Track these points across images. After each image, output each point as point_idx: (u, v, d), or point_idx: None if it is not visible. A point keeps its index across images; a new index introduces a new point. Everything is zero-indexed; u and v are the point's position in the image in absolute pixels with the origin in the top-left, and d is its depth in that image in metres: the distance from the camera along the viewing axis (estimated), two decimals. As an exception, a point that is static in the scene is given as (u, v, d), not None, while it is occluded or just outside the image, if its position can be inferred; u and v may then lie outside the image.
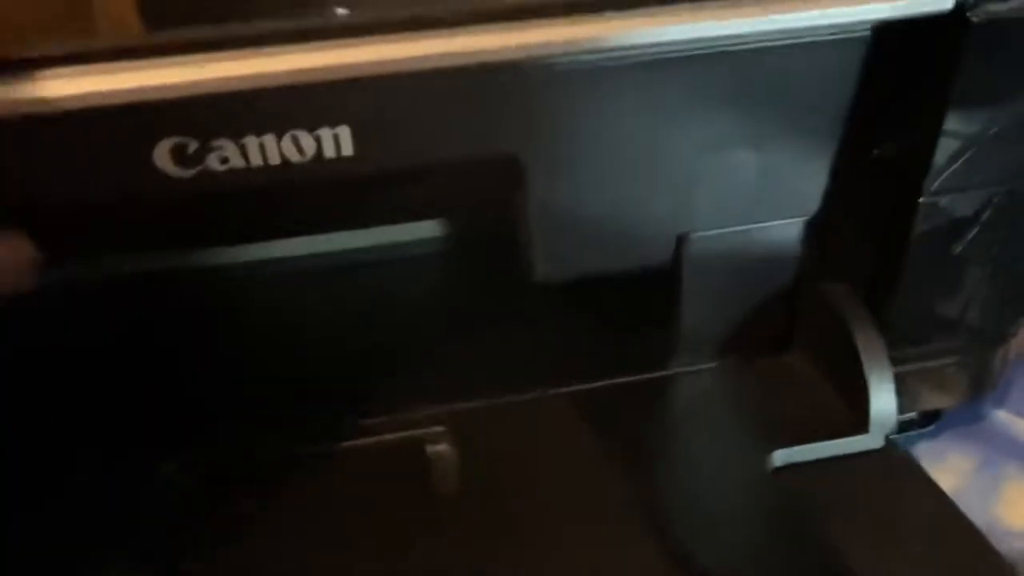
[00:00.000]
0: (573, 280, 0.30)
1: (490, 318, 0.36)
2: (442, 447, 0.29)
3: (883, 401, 0.28)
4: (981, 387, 0.32)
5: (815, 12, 0.23)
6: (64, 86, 0.20)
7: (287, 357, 0.34)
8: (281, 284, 0.38)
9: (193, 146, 0.22)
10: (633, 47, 0.23)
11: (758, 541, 0.26)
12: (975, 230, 0.28)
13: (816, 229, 0.30)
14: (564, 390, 0.32)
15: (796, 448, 0.28)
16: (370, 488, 0.28)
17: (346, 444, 0.30)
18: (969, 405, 0.34)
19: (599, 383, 0.32)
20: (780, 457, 0.28)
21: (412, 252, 0.39)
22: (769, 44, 0.24)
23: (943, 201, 0.26)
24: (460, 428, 0.29)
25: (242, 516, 0.27)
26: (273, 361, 0.34)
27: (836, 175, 0.29)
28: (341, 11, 0.29)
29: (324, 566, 0.25)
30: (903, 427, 0.32)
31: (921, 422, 0.33)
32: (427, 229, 0.38)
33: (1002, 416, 0.34)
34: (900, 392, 0.29)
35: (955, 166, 0.26)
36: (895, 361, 0.29)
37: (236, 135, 0.22)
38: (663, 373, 0.32)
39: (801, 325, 0.32)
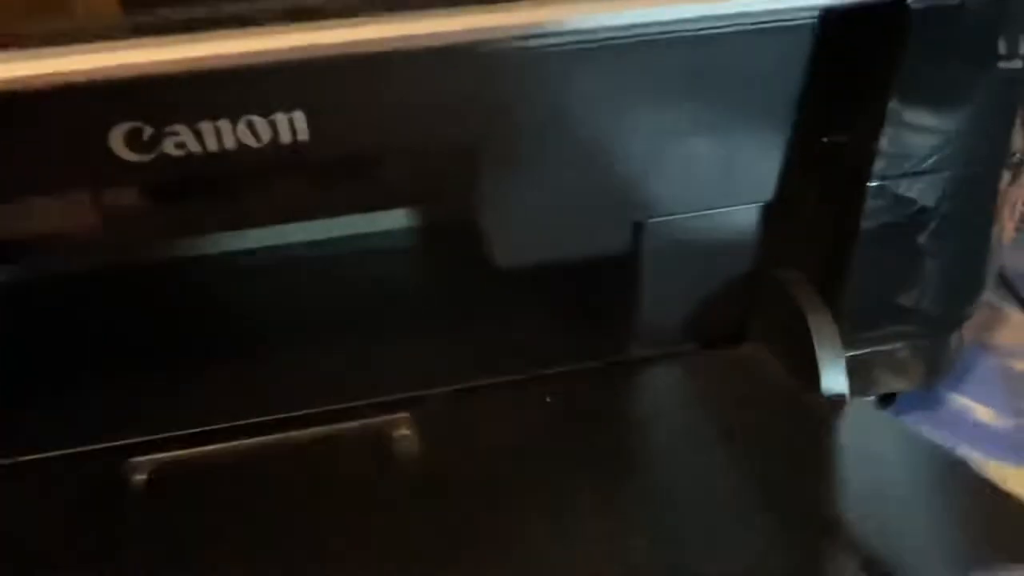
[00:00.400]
0: (533, 267, 0.30)
1: (453, 306, 0.36)
2: (402, 432, 0.29)
3: (834, 382, 0.28)
4: (936, 372, 0.33)
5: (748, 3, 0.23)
6: (11, 68, 0.19)
7: (250, 346, 0.34)
8: (244, 275, 0.38)
9: (148, 131, 0.22)
10: (580, 32, 0.23)
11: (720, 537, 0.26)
12: (923, 216, 0.28)
13: (772, 216, 0.30)
14: (526, 376, 0.32)
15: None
16: (335, 472, 0.28)
17: (311, 431, 0.29)
18: (927, 390, 0.34)
19: (560, 368, 0.32)
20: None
21: (374, 243, 0.39)
22: (719, 30, 0.24)
23: (890, 187, 0.27)
24: (423, 414, 0.29)
25: (209, 505, 0.27)
26: (235, 350, 0.34)
27: (790, 162, 0.29)
28: None
29: (289, 550, 0.25)
30: None
31: (879, 405, 0.33)
32: (388, 220, 0.39)
33: (960, 401, 0.34)
34: (854, 375, 0.29)
35: (900, 152, 0.27)
36: (849, 345, 0.29)
37: (191, 120, 0.22)
38: (623, 359, 0.32)
39: (758, 310, 0.32)
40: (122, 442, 0.29)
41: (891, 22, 0.24)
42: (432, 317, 0.36)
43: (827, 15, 0.24)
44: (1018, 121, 0.28)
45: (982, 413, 0.34)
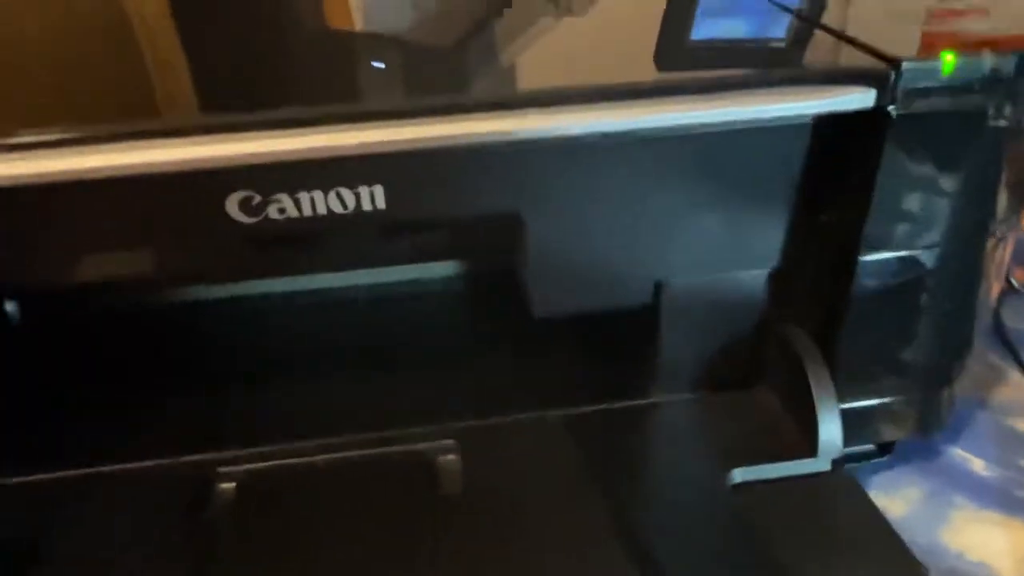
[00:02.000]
0: (566, 317, 0.32)
1: (492, 348, 0.38)
2: (451, 457, 0.31)
3: (830, 430, 0.30)
4: (929, 424, 0.34)
5: (762, 106, 0.26)
6: (153, 154, 0.23)
7: (321, 377, 0.37)
8: (317, 315, 0.41)
9: (257, 199, 0.25)
10: (617, 132, 0.26)
11: (714, 548, 0.28)
12: (912, 282, 0.30)
13: (777, 279, 0.32)
14: (556, 413, 0.33)
15: (753, 468, 0.30)
16: (387, 492, 0.30)
17: (366, 453, 0.32)
18: (924, 441, 0.35)
19: (587, 408, 0.34)
20: (739, 475, 0.30)
21: (427, 289, 0.42)
22: (729, 129, 0.27)
23: (878, 259, 0.29)
24: (467, 442, 0.32)
25: (276, 517, 0.29)
26: (308, 380, 0.37)
27: (792, 234, 0.31)
28: (378, 64, 0.34)
29: (338, 563, 0.27)
30: (860, 457, 0.34)
31: (877, 453, 0.34)
32: (440, 269, 0.41)
33: (955, 453, 0.35)
34: (850, 424, 0.31)
35: (887, 231, 0.29)
36: (845, 396, 0.31)
37: (291, 191, 0.25)
38: (642, 401, 0.34)
39: (764, 362, 0.34)
40: (215, 455, 0.31)
41: (875, 124, 0.26)
42: (475, 359, 0.38)
43: (819, 118, 0.27)
44: (1001, 186, 0.29)
45: (976, 465, 0.34)
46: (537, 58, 0.34)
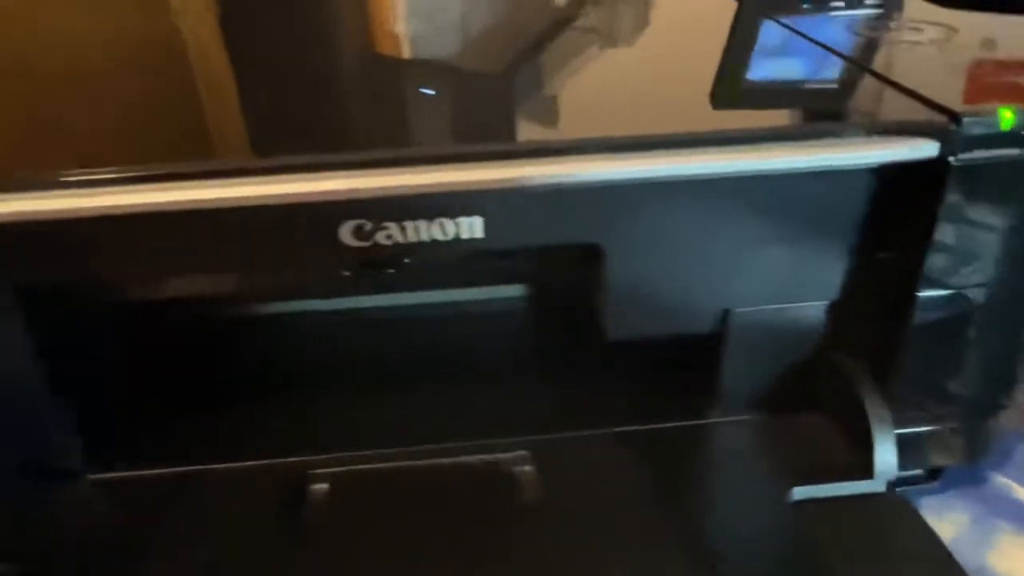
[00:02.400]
0: (637, 342, 0.32)
1: (564, 367, 0.39)
2: (525, 468, 0.33)
3: (885, 454, 0.31)
4: (976, 451, 0.34)
5: (836, 155, 0.27)
6: (281, 187, 0.25)
7: (399, 389, 0.38)
8: (397, 330, 0.42)
9: (368, 226, 0.27)
10: (698, 173, 0.27)
11: (777, 561, 0.29)
12: (964, 319, 0.30)
13: (837, 311, 0.33)
14: (618, 430, 0.34)
15: (812, 487, 0.31)
16: (466, 496, 0.32)
17: (448, 461, 0.33)
18: (971, 468, 0.35)
19: (647, 427, 0.35)
20: (798, 493, 0.31)
21: (501, 308, 0.43)
22: (786, 173, 0.28)
23: (935, 295, 0.30)
24: (538, 453, 0.33)
25: (365, 517, 0.31)
26: (388, 392, 0.38)
27: (852, 269, 0.31)
28: (427, 91, 0.36)
29: (423, 559, 0.29)
30: (911, 481, 0.34)
31: (926, 478, 0.35)
32: (513, 291, 0.43)
33: (1000, 480, 0.35)
34: (904, 450, 0.31)
35: (945, 271, 0.29)
36: (899, 423, 0.31)
37: (399, 219, 0.27)
38: (705, 421, 0.35)
39: (821, 388, 0.34)
40: (310, 458, 0.33)
41: (936, 171, 0.27)
42: (548, 376, 0.39)
43: (884, 165, 0.28)
44: None
45: (1020, 493, 0.35)
46: (606, 99, 0.35)
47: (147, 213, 0.25)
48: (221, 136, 0.32)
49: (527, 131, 0.33)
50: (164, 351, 0.40)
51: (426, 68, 0.42)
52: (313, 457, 0.33)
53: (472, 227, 0.28)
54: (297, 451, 0.33)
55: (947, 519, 0.34)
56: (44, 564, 0.29)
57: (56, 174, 0.25)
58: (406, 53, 0.45)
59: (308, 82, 0.38)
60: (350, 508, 0.31)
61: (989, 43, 0.37)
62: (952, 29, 0.37)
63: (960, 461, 0.34)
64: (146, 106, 0.34)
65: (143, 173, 0.25)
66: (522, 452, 0.33)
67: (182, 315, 0.41)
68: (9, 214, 0.24)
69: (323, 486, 0.32)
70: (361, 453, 0.33)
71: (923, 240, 0.29)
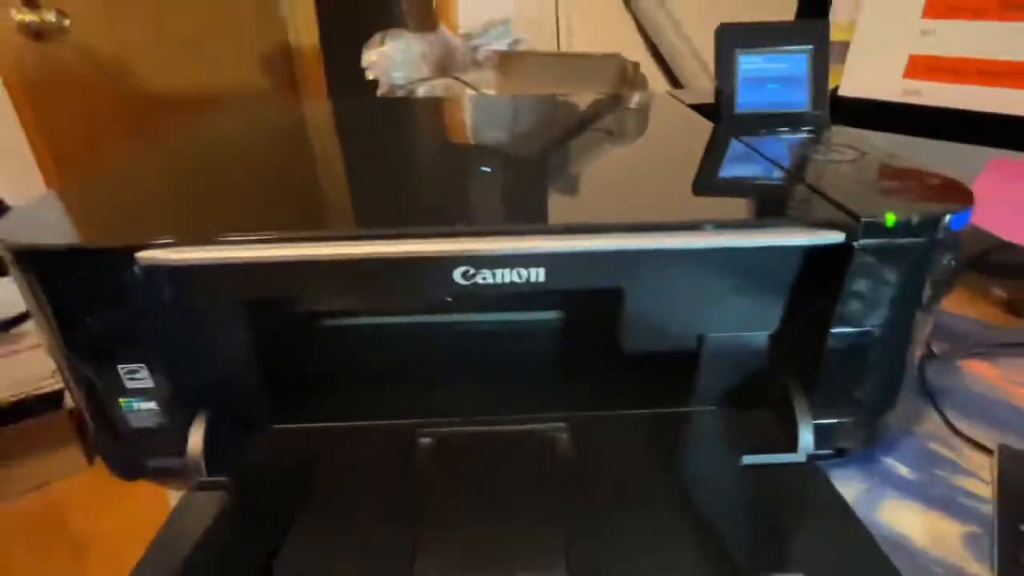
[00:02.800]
0: (643, 353, 0.34)
1: (593, 368, 0.41)
2: (563, 435, 0.34)
3: (806, 437, 0.32)
4: (871, 440, 0.35)
5: (779, 239, 0.29)
6: (429, 246, 0.29)
7: (476, 377, 0.41)
8: (476, 337, 0.44)
9: (472, 271, 0.30)
10: (685, 247, 0.30)
11: (731, 506, 0.30)
12: (864, 347, 0.32)
13: (777, 339, 0.34)
14: (627, 412, 0.36)
15: (756, 456, 0.32)
16: (522, 452, 0.33)
17: (511, 428, 0.35)
18: (867, 451, 0.36)
19: (647, 411, 0.36)
20: (747, 460, 0.32)
21: (555, 326, 0.45)
22: (754, 248, 0.30)
23: (843, 331, 0.31)
24: (571, 425, 0.35)
25: (458, 462, 0.33)
26: (469, 379, 0.40)
27: (788, 310, 0.33)
28: (485, 168, 0.39)
29: (497, 494, 0.30)
30: (824, 457, 0.35)
31: (835, 456, 0.36)
32: (552, 315, 0.45)
33: (889, 462, 0.37)
34: (819, 435, 0.33)
35: (851, 315, 0.31)
36: (817, 417, 0.33)
37: (491, 267, 0.30)
38: (688, 409, 0.36)
39: (766, 391, 0.35)
40: (417, 420, 0.35)
41: (845, 252, 0.29)
42: (579, 373, 0.41)
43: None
44: (926, 287, 0.31)
45: (902, 471, 0.36)
46: (618, 186, 0.38)
47: (333, 260, 0.29)
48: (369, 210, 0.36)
49: (561, 206, 0.35)
50: (325, 348, 0.43)
51: (486, 154, 0.45)
52: (421, 420, 0.36)
53: (538, 275, 0.31)
54: (410, 416, 0.36)
55: (849, 486, 0.35)
56: (244, 479, 0.32)
57: (272, 232, 0.29)
58: (474, 146, 0.49)
59: (414, 166, 0.42)
60: (445, 456, 0.34)
61: (891, 156, 0.39)
62: (860, 151, 0.40)
63: (859, 445, 0.36)
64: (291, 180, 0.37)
65: (328, 234, 0.29)
66: (560, 424, 0.35)
67: (343, 325, 0.44)
68: (240, 258, 0.29)
69: (428, 440, 0.35)
70: (452, 419, 0.36)
71: (836, 295, 0.30)
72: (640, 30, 0.91)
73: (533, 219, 0.32)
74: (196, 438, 0.32)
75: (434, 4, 1.31)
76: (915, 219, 0.29)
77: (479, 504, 0.29)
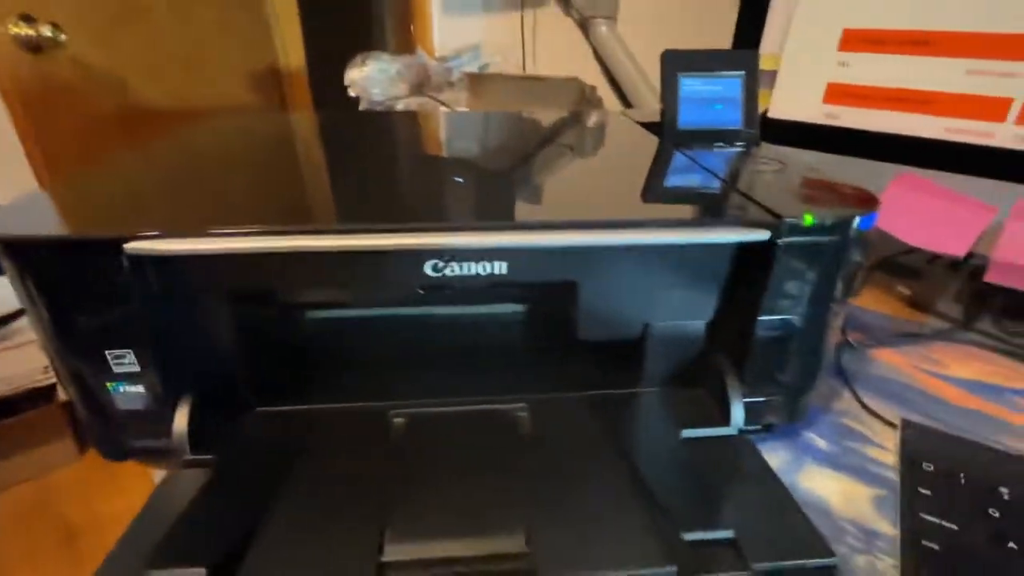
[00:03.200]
0: (595, 340, 0.34)
1: (551, 353, 0.40)
2: (523, 414, 0.34)
3: (737, 413, 0.33)
4: (793, 416, 0.36)
5: (712, 236, 0.30)
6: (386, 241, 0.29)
7: (444, 363, 0.40)
8: (442, 328, 0.43)
9: (441, 264, 0.30)
10: (631, 243, 0.30)
11: (672, 474, 0.30)
12: (788, 332, 0.32)
13: (712, 326, 0.35)
14: (581, 393, 0.36)
15: (694, 430, 0.33)
16: (487, 430, 0.33)
17: (476, 408, 0.34)
18: (791, 425, 0.37)
19: (599, 392, 0.36)
20: (686, 433, 0.33)
21: (516, 317, 0.44)
22: (693, 244, 0.31)
23: (769, 319, 0.32)
24: (531, 405, 0.35)
25: (429, 440, 0.32)
26: (437, 365, 0.40)
27: (721, 301, 0.34)
28: (458, 179, 0.38)
29: (462, 467, 0.30)
30: (753, 431, 0.36)
31: (762, 430, 0.36)
32: (514, 308, 0.44)
33: (808, 434, 0.37)
34: (748, 411, 0.33)
35: (775, 304, 0.31)
36: (747, 395, 0.34)
37: (459, 260, 0.30)
38: (634, 390, 0.37)
39: (703, 373, 0.36)
40: (390, 403, 0.34)
41: (770, 248, 0.30)
42: (538, 359, 0.40)
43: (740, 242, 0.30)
44: (839, 281, 0.31)
45: (819, 443, 0.37)
46: (575, 191, 0.38)
47: (314, 252, 0.28)
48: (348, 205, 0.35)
49: (523, 208, 0.35)
50: (306, 336, 0.42)
51: (457, 162, 0.45)
52: (395, 402, 0.35)
53: (501, 268, 0.31)
54: (385, 399, 0.35)
55: (773, 455, 0.36)
56: (227, 458, 0.31)
57: (253, 226, 0.28)
58: (445, 153, 0.48)
59: (390, 171, 0.41)
60: (417, 434, 0.33)
61: (811, 169, 0.40)
62: (785, 164, 0.41)
63: (783, 421, 0.36)
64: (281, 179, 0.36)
65: (309, 228, 0.28)
66: (521, 404, 0.35)
67: (323, 316, 0.42)
68: (222, 249, 0.28)
69: (401, 419, 0.34)
70: (423, 401, 0.35)
71: (763, 287, 0.31)
72: (597, 57, 0.92)
73: (498, 218, 0.32)
74: (181, 419, 0.31)
75: (413, 30, 1.30)
76: (829, 220, 0.30)
77: (446, 482, 0.29)
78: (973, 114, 0.48)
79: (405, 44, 1.23)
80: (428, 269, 0.31)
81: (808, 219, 0.30)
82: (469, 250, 0.30)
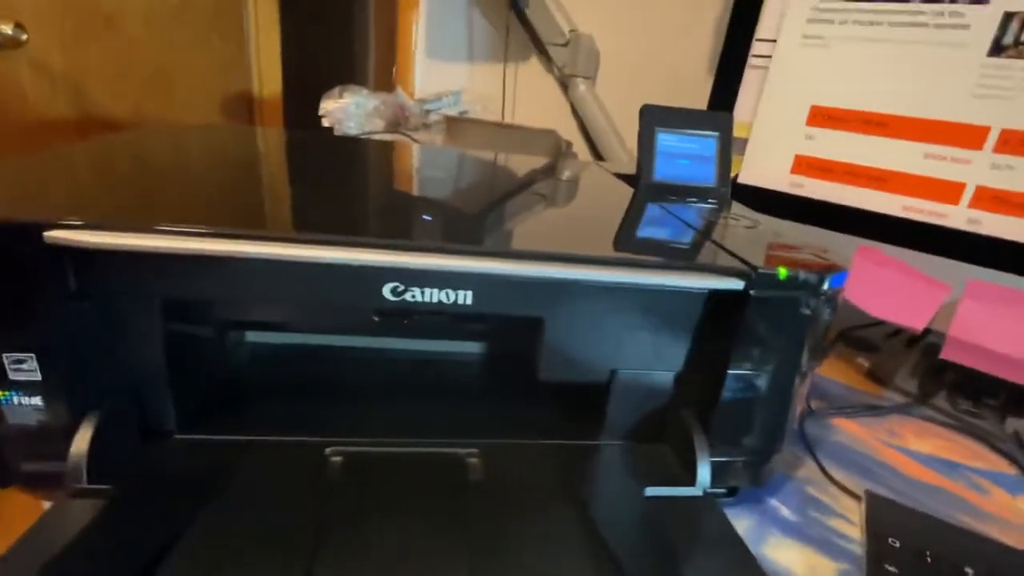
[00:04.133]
0: (556, 383, 0.33)
1: (510, 398, 0.39)
2: (474, 460, 0.32)
3: (703, 473, 0.32)
4: (758, 480, 0.35)
5: (683, 280, 0.30)
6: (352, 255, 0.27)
7: (390, 402, 0.38)
8: (393, 364, 0.41)
9: (401, 288, 0.29)
10: (601, 283, 0.29)
11: (632, 533, 0.29)
12: (754, 393, 0.32)
13: (681, 379, 0.34)
14: (539, 441, 0.34)
15: (658, 488, 0.32)
16: (434, 474, 0.31)
17: (423, 451, 0.32)
18: (754, 491, 0.36)
19: (559, 441, 0.35)
20: (649, 492, 0.31)
21: (472, 356, 0.43)
22: (662, 290, 0.30)
23: (738, 375, 0.32)
24: (484, 451, 0.33)
25: (367, 483, 0.30)
26: (382, 403, 0.37)
27: (692, 353, 0.32)
28: (427, 217, 0.36)
29: (403, 513, 0.27)
30: (717, 495, 0.35)
31: (727, 494, 0.35)
32: (473, 346, 0.43)
33: (773, 502, 0.37)
34: (714, 472, 0.32)
35: (745, 359, 0.31)
36: (713, 455, 0.32)
37: (421, 285, 0.29)
38: (593, 442, 0.35)
39: (669, 428, 0.35)
40: (329, 439, 0.32)
41: (742, 299, 0.30)
42: (495, 402, 0.39)
43: (712, 290, 0.30)
44: (806, 346, 0.32)
45: (784, 511, 0.36)
46: (545, 236, 0.37)
47: (258, 260, 0.26)
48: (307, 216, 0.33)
49: (496, 241, 0.34)
50: (242, 359, 0.40)
51: (427, 191, 0.44)
52: (333, 439, 0.32)
53: (466, 297, 0.29)
54: (322, 434, 0.33)
55: (737, 521, 0.33)
56: (130, 490, 0.28)
57: (195, 225, 0.26)
58: (418, 184, 0.48)
59: (356, 190, 0.40)
60: (355, 475, 0.31)
61: (777, 233, 0.41)
62: (757, 222, 0.42)
63: (748, 484, 0.35)
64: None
65: (255, 233, 0.26)
66: (473, 449, 0.33)
67: (261, 340, 0.40)
68: (157, 247, 0.25)
69: (338, 458, 0.31)
70: (366, 440, 0.33)
71: (734, 338, 0.31)
72: (574, 113, 0.95)
73: (466, 244, 0.31)
74: (82, 441, 0.28)
75: (395, 72, 1.33)
76: (802, 274, 0.30)
77: (384, 526, 0.27)
78: (929, 195, 0.51)
79: (386, 85, 1.25)
80: (387, 292, 0.29)
81: (782, 272, 0.30)
82: (433, 273, 0.28)
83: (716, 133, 0.47)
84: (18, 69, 1.18)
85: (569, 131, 0.97)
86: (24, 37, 1.14)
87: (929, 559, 0.32)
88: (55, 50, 1.22)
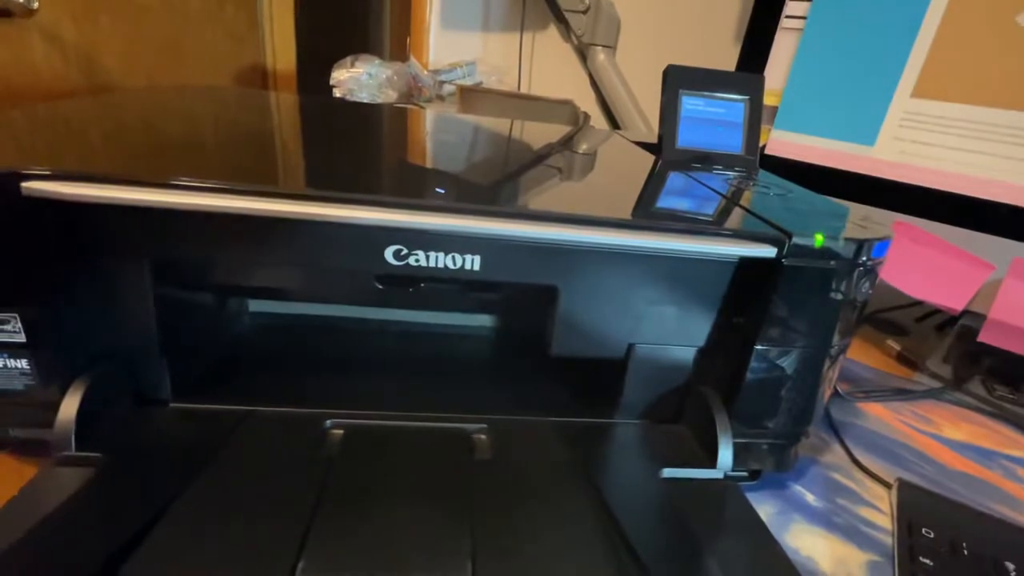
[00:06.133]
0: (570, 358, 0.32)
1: (517, 373, 0.38)
2: (482, 436, 0.31)
3: (725, 455, 0.30)
4: (782, 464, 0.34)
5: (713, 246, 0.28)
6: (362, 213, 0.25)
7: (397, 374, 0.36)
8: (400, 337, 0.40)
9: (404, 251, 0.27)
10: (613, 246, 0.28)
11: (649, 517, 0.27)
12: (782, 372, 0.31)
13: (703, 355, 0.32)
14: (550, 419, 0.33)
15: (676, 470, 0.30)
16: (440, 452, 0.30)
17: (429, 426, 0.31)
18: (779, 474, 0.35)
19: (570, 419, 0.33)
20: (667, 473, 0.30)
21: (482, 329, 0.42)
22: (681, 256, 0.28)
23: (766, 351, 0.30)
24: (492, 427, 0.32)
25: (368, 458, 0.28)
26: (389, 375, 0.36)
27: (716, 327, 0.31)
28: (440, 190, 0.33)
29: (406, 490, 0.26)
30: (738, 479, 0.34)
31: (749, 477, 0.34)
32: (482, 318, 0.42)
33: (796, 487, 0.35)
34: (736, 454, 0.31)
35: (773, 334, 0.30)
36: (736, 436, 0.31)
37: (425, 249, 0.27)
38: (611, 421, 0.34)
39: (688, 407, 0.34)
40: (328, 410, 0.31)
41: (774, 269, 0.28)
42: (504, 378, 0.37)
43: (742, 257, 0.29)
44: (838, 322, 0.30)
45: (809, 497, 0.35)
46: (572, 195, 0.35)
47: (256, 218, 0.25)
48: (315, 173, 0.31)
49: (508, 202, 0.32)
50: (241, 325, 0.38)
51: (440, 156, 0.42)
52: (334, 411, 0.31)
53: (473, 262, 0.28)
54: (323, 406, 0.31)
55: (759, 507, 0.32)
56: (120, 458, 0.26)
57: (188, 179, 0.24)
58: (429, 148, 0.46)
59: (362, 150, 0.38)
60: (356, 449, 0.29)
61: (810, 203, 0.37)
62: (789, 190, 0.39)
63: (771, 468, 0.34)
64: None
65: (252, 188, 0.25)
66: (481, 425, 0.32)
67: (259, 308, 0.39)
68: (145, 201, 0.24)
69: (339, 431, 0.30)
70: (366, 412, 0.31)
71: (763, 312, 0.29)
72: (592, 83, 0.92)
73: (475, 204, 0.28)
74: (69, 406, 0.26)
75: (409, 43, 1.30)
76: (842, 242, 0.28)
77: (384, 502, 0.25)
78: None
79: (400, 57, 1.22)
80: (389, 255, 0.27)
81: (819, 239, 0.28)
82: (438, 234, 0.26)
83: (745, 97, 0.44)
84: (29, 39, 1.17)
85: (587, 103, 0.94)
86: (35, 5, 1.12)
87: (966, 552, 0.30)
88: (66, 19, 1.21)
